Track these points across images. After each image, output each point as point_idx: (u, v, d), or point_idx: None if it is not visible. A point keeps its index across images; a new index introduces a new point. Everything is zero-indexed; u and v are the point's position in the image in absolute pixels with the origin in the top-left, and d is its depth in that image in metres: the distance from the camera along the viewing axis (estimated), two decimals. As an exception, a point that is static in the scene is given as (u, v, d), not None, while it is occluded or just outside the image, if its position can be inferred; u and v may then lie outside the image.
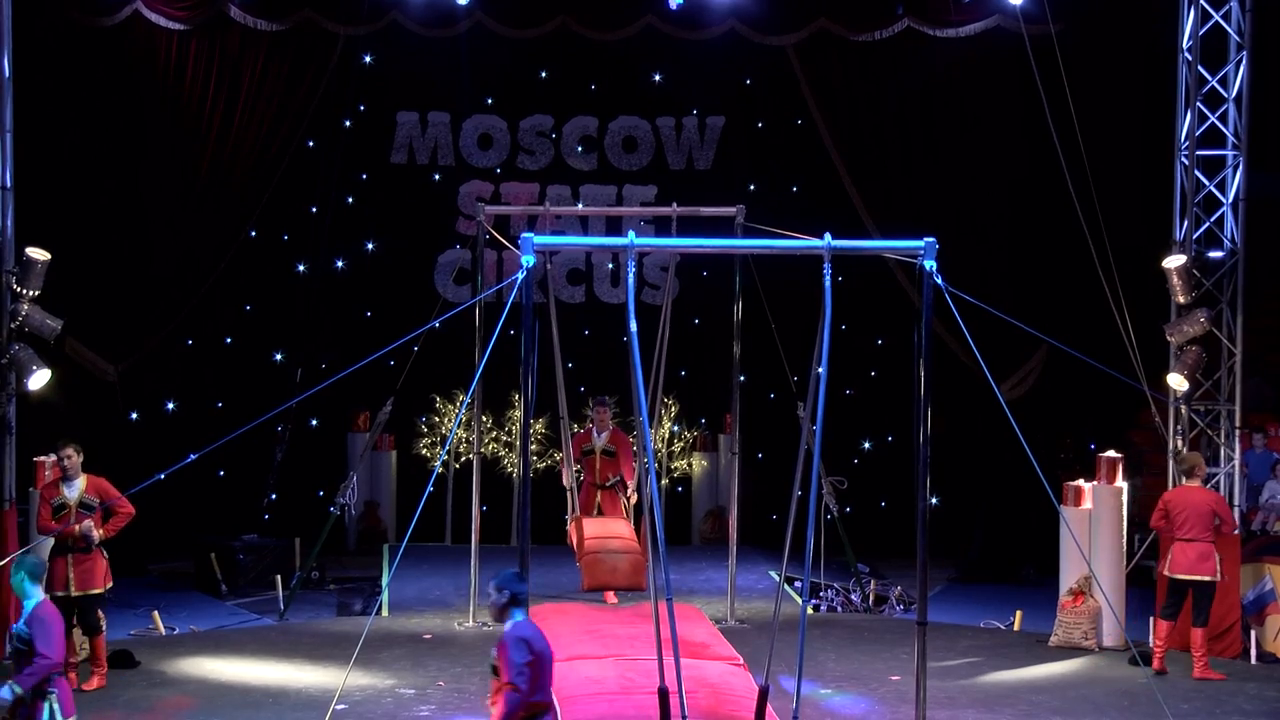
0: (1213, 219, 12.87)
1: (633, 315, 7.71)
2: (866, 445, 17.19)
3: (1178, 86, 12.90)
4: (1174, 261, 12.51)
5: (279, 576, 13.84)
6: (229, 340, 16.77)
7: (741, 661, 9.06)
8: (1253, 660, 12.03)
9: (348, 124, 16.47)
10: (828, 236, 7.91)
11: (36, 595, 7.94)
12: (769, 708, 7.60)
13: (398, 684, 10.76)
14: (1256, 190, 13.25)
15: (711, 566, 15.45)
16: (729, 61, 16.31)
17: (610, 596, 12.91)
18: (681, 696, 7.09)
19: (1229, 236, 12.81)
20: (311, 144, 16.02)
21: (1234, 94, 12.70)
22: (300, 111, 15.21)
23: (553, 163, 17.20)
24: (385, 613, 13.38)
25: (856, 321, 16.36)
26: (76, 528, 10.50)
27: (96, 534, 10.53)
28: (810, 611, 12.43)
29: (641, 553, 11.89)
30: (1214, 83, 12.74)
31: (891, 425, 16.87)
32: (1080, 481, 12.79)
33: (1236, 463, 12.85)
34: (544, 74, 17.09)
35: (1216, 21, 12.69)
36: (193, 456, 8.37)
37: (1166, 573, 11.56)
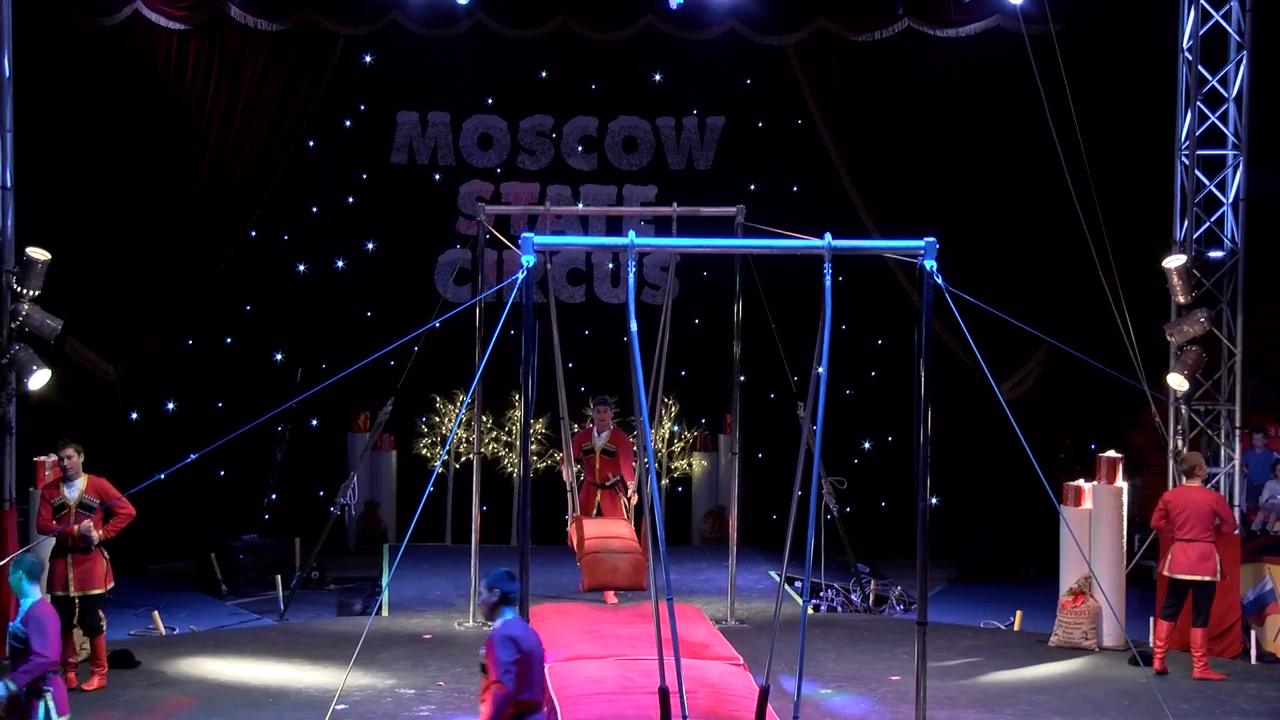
0: (1213, 219, 12.87)
1: (633, 315, 7.70)
2: (866, 445, 17.20)
3: (1178, 86, 12.90)
4: (1174, 261, 12.51)
5: (279, 576, 13.84)
6: (229, 340, 16.77)
7: (741, 661, 9.05)
8: (1253, 660, 12.03)
9: (348, 124, 16.48)
10: (828, 236, 7.91)
11: (34, 594, 7.95)
12: (769, 708, 7.60)
13: (398, 684, 10.76)
14: (1256, 190, 13.25)
15: (711, 566, 15.45)
16: (729, 61, 16.31)
17: (610, 596, 12.91)
18: (682, 696, 7.09)
19: (1229, 236, 12.81)
20: (311, 144, 16.02)
21: (1234, 94, 12.70)
22: (300, 111, 15.21)
23: (553, 163, 17.20)
24: (385, 613, 13.38)
25: (856, 321, 16.37)
26: (76, 528, 10.50)
27: (96, 534, 10.53)
28: (810, 611, 12.43)
29: (642, 553, 11.89)
30: (1214, 83, 12.74)
31: (891, 425, 16.87)
32: (1080, 481, 12.79)
33: (1236, 463, 12.85)
34: (544, 74, 17.10)
35: (1216, 21, 12.69)
36: (193, 456, 8.37)
37: (1166, 573, 11.56)
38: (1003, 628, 13.31)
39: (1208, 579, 11.33)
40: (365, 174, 17.01)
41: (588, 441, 13.47)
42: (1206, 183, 12.83)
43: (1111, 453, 12.71)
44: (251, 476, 16.07)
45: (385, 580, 14.36)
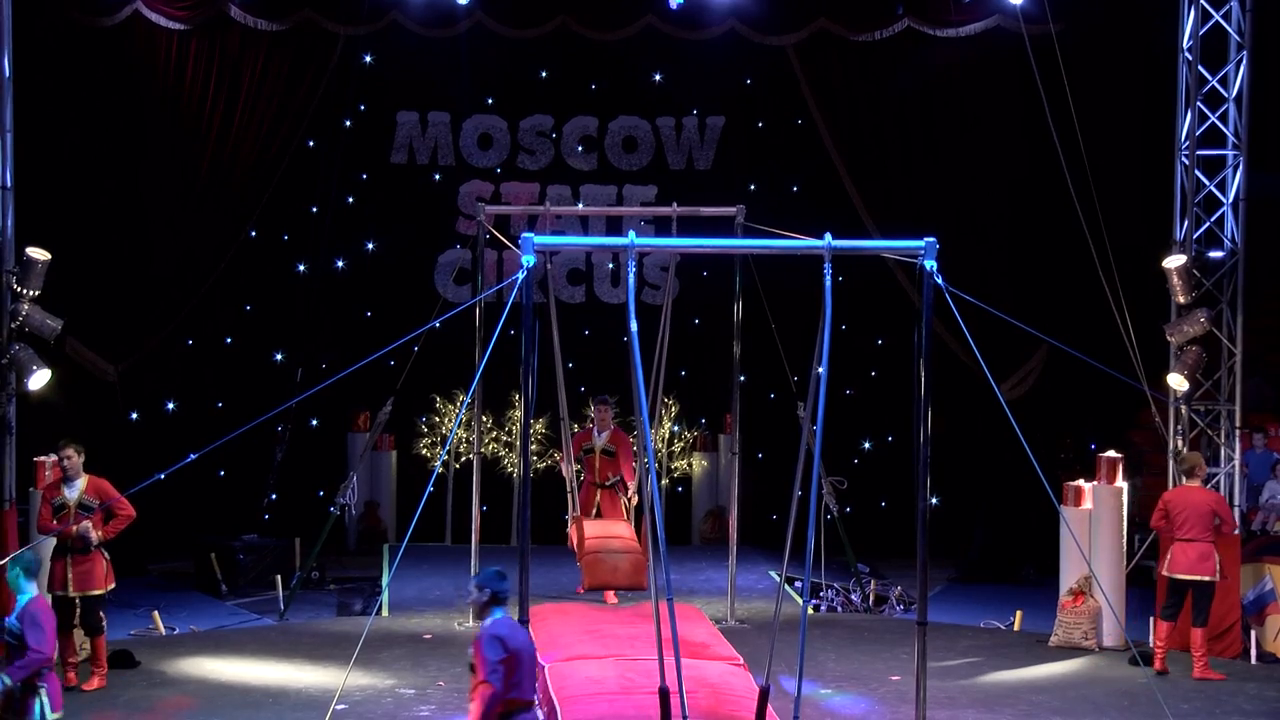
0: (1213, 219, 12.87)
1: (633, 315, 7.70)
2: (866, 445, 17.19)
3: (1178, 86, 12.90)
4: (1174, 261, 12.51)
5: (279, 576, 13.84)
6: (229, 340, 16.77)
7: (741, 661, 9.06)
8: (1253, 660, 12.03)
9: (348, 124, 16.47)
10: (828, 236, 7.91)
11: (30, 591, 7.97)
12: (769, 708, 7.60)
13: (398, 684, 10.76)
14: (1256, 190, 13.25)
15: (711, 566, 15.45)
16: (729, 61, 16.30)
17: (610, 596, 12.92)
18: (682, 696, 7.09)
19: (1229, 236, 12.81)
20: (311, 144, 16.02)
21: (1234, 94, 12.70)
22: (300, 111, 15.21)
23: (553, 163, 17.20)
24: (385, 613, 13.38)
25: (856, 321, 16.37)
26: (74, 529, 10.50)
27: (94, 535, 10.51)
28: (810, 611, 12.43)
29: (642, 553, 11.89)
30: (1214, 83, 12.74)
31: (891, 425, 16.87)
32: (1080, 481, 12.79)
33: (1236, 463, 12.85)
34: (544, 74, 17.09)
35: (1216, 21, 12.69)
36: (193, 456, 8.37)
37: (1166, 573, 11.56)
38: (1003, 628, 13.31)
39: (1207, 579, 11.33)
40: (365, 174, 17.01)
41: (588, 441, 13.48)
42: (1206, 183, 12.83)
43: (1111, 453, 12.71)
44: (251, 476, 16.06)
45: (385, 580, 14.36)
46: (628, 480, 13.24)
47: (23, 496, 11.97)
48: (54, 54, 14.39)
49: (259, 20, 14.81)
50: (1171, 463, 12.79)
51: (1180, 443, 12.80)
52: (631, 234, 8.11)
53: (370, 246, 17.17)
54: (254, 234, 15.92)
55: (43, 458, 11.63)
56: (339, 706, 9.83)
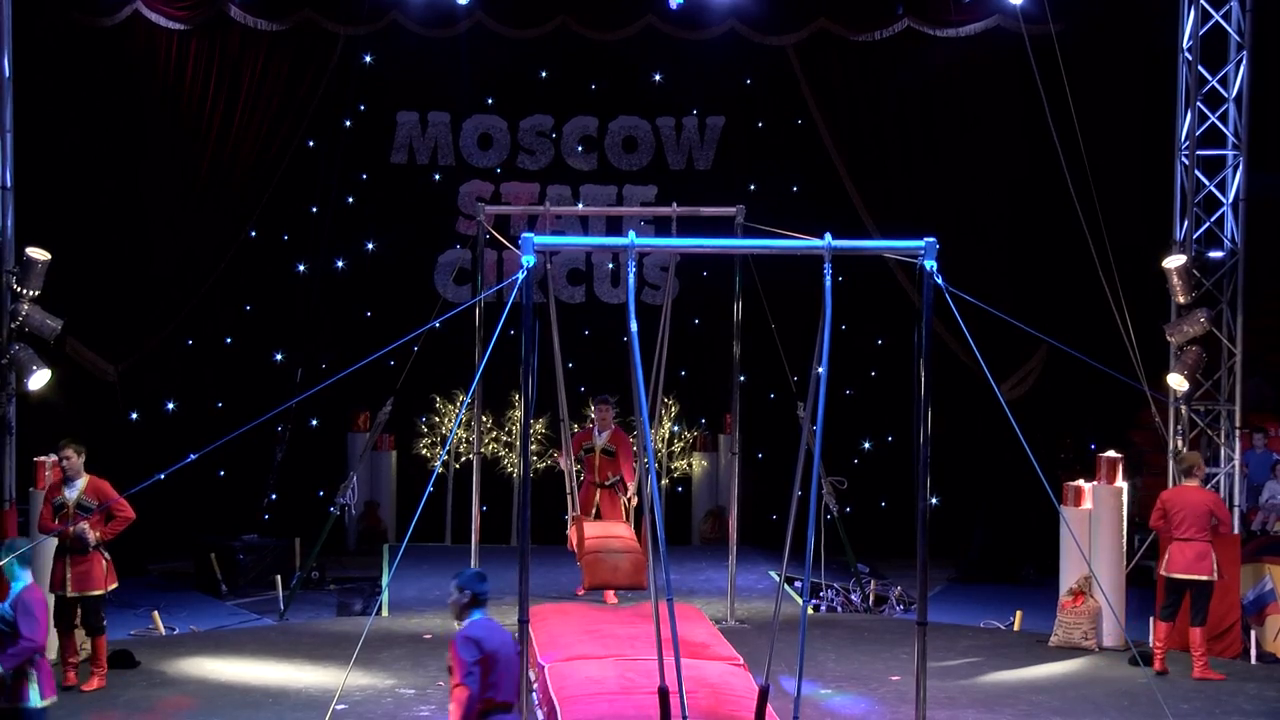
0: (1213, 219, 12.88)
1: (633, 315, 7.71)
2: (866, 445, 17.19)
3: (1178, 86, 12.90)
4: (1174, 261, 12.52)
5: (279, 576, 13.84)
6: (229, 340, 16.76)
7: (741, 661, 9.07)
8: (1253, 660, 12.03)
9: (348, 124, 16.47)
10: (828, 236, 7.91)
11: (25, 578, 7.97)
12: (769, 708, 7.61)
13: (398, 684, 10.76)
14: (1256, 190, 13.26)
15: (711, 566, 15.44)
16: (729, 61, 16.31)
17: (610, 596, 12.92)
18: (682, 696, 7.10)
19: (1229, 236, 12.81)
20: (311, 144, 16.01)
21: (1234, 94, 12.70)
22: (300, 111, 15.21)
23: (553, 163, 17.19)
24: (385, 613, 13.37)
25: (856, 321, 16.36)
26: (71, 529, 10.49)
27: (91, 536, 10.49)
28: (810, 611, 12.43)
29: (642, 552, 11.89)
30: (1214, 83, 12.74)
31: (891, 425, 16.87)
32: (1080, 481, 12.79)
33: (1236, 463, 12.85)
34: (544, 74, 17.09)
35: (1216, 21, 12.70)
36: (193, 456, 8.36)
37: (1164, 572, 11.56)
38: (1003, 628, 13.31)
39: (1205, 578, 11.33)
40: (365, 174, 17.01)
41: (588, 440, 13.48)
42: (1206, 183, 12.83)
43: (1111, 453, 12.71)
44: (251, 476, 16.06)
45: (385, 580, 14.36)
46: (628, 480, 13.25)
47: (23, 496, 11.97)
48: (54, 54, 14.38)
49: (259, 20, 14.82)
50: (1171, 463, 12.80)
51: (1180, 443, 12.80)
52: (631, 234, 8.11)
53: (370, 246, 17.17)
54: (254, 234, 15.92)
55: (43, 458, 11.62)
56: (339, 706, 9.83)
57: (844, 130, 15.55)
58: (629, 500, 13.22)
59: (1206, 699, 10.70)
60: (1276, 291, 17.16)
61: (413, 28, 15.32)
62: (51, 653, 9.84)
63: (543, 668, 8.70)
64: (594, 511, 13.29)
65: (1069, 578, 12.49)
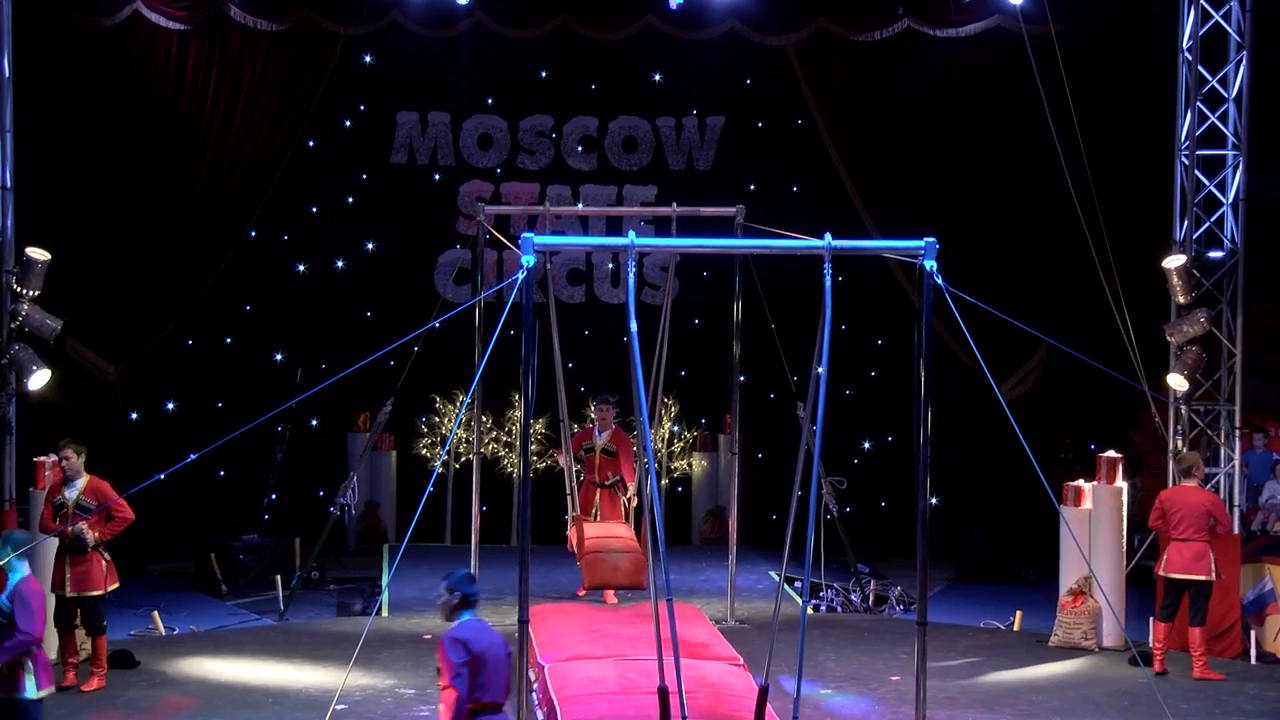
0: (1213, 219, 12.88)
1: (633, 315, 7.70)
2: (866, 445, 17.19)
3: (1178, 86, 12.91)
4: (1174, 261, 12.52)
5: (279, 576, 13.85)
6: (229, 340, 16.77)
7: (741, 661, 9.06)
8: (1253, 660, 12.04)
9: (348, 124, 16.47)
10: (828, 236, 7.91)
11: (22, 570, 7.96)
12: (769, 708, 7.60)
13: (398, 684, 10.76)
14: (1256, 190, 13.26)
15: (711, 566, 15.44)
16: (729, 61, 16.30)
17: (610, 596, 12.92)
18: (681, 696, 7.09)
19: (1229, 236, 12.82)
20: (311, 144, 16.01)
21: (1234, 94, 12.71)
22: (300, 111, 15.22)
23: (553, 163, 17.20)
24: (385, 613, 13.38)
25: (856, 321, 16.36)
26: (70, 530, 10.48)
27: (90, 536, 10.47)
28: (810, 611, 12.43)
29: (642, 552, 11.89)
30: (1214, 83, 12.75)
31: (891, 425, 16.87)
32: (1080, 481, 12.79)
33: (1236, 463, 12.86)
34: (544, 74, 17.09)
35: (1216, 21, 12.70)
36: (193, 456, 8.36)
37: (1162, 572, 11.56)
38: (1003, 628, 13.31)
39: (1203, 578, 11.33)
40: (365, 174, 17.01)
41: (588, 440, 13.48)
42: (1206, 183, 12.84)
43: (1111, 453, 12.71)
44: (251, 476, 16.06)
45: (385, 580, 14.36)
46: (628, 480, 13.24)
47: (23, 496, 11.97)
48: (54, 54, 14.39)
49: (259, 20, 14.82)
50: (1171, 463, 12.80)
51: (1180, 443, 12.80)
52: (631, 234, 8.10)
53: (370, 246, 17.17)
54: (254, 234, 15.92)
55: (43, 458, 11.62)
56: (339, 706, 9.83)
57: (844, 130, 15.56)
58: (629, 500, 13.22)
59: (1206, 699, 10.70)
60: (1276, 291, 17.16)
61: (413, 28, 15.32)
62: (51, 653, 9.87)
63: (543, 668, 8.69)
64: (594, 512, 13.29)
65: (1069, 578, 12.49)
